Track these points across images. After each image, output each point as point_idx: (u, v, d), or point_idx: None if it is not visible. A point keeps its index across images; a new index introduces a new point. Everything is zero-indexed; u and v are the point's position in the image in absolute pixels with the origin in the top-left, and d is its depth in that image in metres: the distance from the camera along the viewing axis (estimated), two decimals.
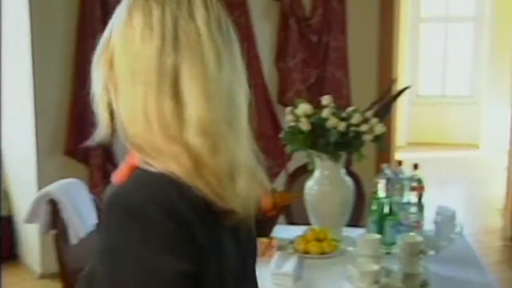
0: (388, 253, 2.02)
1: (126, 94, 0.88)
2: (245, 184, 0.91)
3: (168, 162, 0.86)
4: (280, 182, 3.72)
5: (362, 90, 4.34)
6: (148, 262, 0.81)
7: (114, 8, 0.95)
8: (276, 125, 4.19)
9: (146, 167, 0.87)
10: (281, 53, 4.18)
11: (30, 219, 2.13)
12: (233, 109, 0.93)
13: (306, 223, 2.44)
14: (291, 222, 2.72)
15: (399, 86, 4.41)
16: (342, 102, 3.44)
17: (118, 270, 0.82)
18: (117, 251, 0.82)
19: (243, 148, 0.94)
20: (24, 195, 3.78)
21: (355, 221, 2.51)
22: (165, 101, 0.86)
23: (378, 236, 1.96)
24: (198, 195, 0.85)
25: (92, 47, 0.93)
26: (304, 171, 2.94)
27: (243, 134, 0.95)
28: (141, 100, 0.87)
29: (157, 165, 0.86)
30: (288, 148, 2.31)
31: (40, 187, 3.08)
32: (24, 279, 3.85)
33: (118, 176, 0.89)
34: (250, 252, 1.04)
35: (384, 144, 2.24)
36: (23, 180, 3.90)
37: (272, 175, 4.25)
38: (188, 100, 0.87)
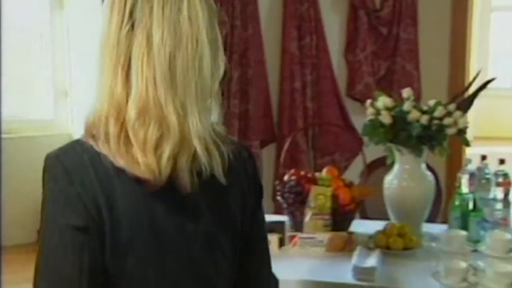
0: (474, 251, 1.95)
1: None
2: (169, 156, 0.96)
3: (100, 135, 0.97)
4: (352, 175, 3.69)
5: (433, 83, 4.23)
6: (51, 216, 0.97)
7: None
8: (344, 118, 4.15)
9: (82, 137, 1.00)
10: (350, 46, 4.13)
11: None
12: (180, 87, 0.98)
13: (380, 217, 2.40)
14: (364, 216, 2.68)
15: (460, 78, 4.32)
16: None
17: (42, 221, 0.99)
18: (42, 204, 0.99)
19: (187, 122, 0.99)
20: None
21: (432, 217, 2.45)
22: (118, 76, 0.97)
23: (464, 232, 1.91)
24: (110, 162, 0.95)
25: None
26: (380, 164, 2.90)
27: (192, 109, 1.00)
28: (100, 75, 0.99)
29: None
30: (366, 142, 2.27)
31: None
32: None
33: None
34: (210, 223, 1.04)
35: (466, 138, 2.18)
36: None
37: (341, 168, 4.22)
38: (133, 78, 0.97)
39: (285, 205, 2.25)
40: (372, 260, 1.91)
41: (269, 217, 2.50)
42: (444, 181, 3.38)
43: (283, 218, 2.26)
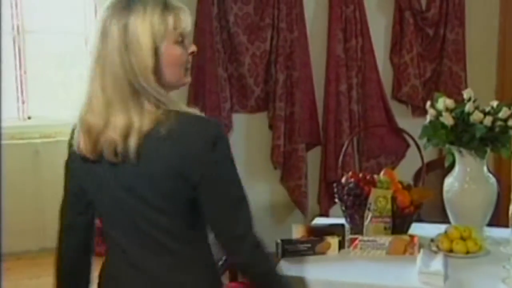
0: None
1: None
2: (107, 139, 1.31)
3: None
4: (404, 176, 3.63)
5: (480, 85, 4.13)
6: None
7: None
8: (390, 120, 4.12)
9: None
10: (396, 47, 4.11)
11: None
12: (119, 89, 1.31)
13: (435, 220, 2.36)
14: (418, 219, 2.64)
15: (509, 79, 4.22)
16: (459, 98, 3.31)
17: None
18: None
19: (128, 115, 1.30)
20: None
21: (493, 221, 2.40)
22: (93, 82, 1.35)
23: None
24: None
25: None
26: (434, 167, 2.86)
27: (132, 106, 1.31)
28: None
29: None
30: (424, 144, 2.24)
31: None
32: None
33: None
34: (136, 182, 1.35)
35: None
36: None
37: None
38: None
39: (343, 208, 2.23)
40: (437, 264, 1.87)
41: (328, 220, 2.51)
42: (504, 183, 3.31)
43: (341, 220, 2.24)
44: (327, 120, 4.00)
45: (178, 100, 1.36)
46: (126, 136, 1.30)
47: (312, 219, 2.63)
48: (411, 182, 2.83)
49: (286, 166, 3.96)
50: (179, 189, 1.33)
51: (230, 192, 1.35)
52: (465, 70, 4.17)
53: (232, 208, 1.36)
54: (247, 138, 3.96)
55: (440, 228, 2.18)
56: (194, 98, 3.72)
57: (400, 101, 4.14)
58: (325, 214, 3.90)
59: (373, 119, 4.07)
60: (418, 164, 2.86)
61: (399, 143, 4.09)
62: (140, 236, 1.38)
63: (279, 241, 2.05)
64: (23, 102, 4.12)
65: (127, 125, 1.29)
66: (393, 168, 4.17)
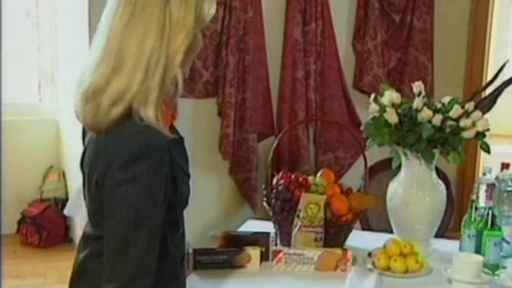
0: (491, 278, 1.64)
1: None
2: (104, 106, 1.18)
3: None
4: (353, 176, 3.39)
5: (448, 77, 3.93)
6: None
7: None
8: (350, 112, 3.86)
9: None
10: (359, 33, 3.83)
11: (71, 211, 1.88)
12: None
13: (385, 229, 2.10)
14: (366, 227, 2.38)
15: (478, 72, 4.00)
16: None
17: None
18: None
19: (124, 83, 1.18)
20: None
21: (440, 231, 2.14)
22: None
23: (480, 258, 1.60)
24: None
25: None
26: (386, 166, 2.59)
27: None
28: None
29: None
30: (369, 142, 1.96)
31: None
32: None
33: None
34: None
35: (487, 143, 1.85)
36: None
37: (345, 166, 3.92)
38: None
39: (271, 213, 1.94)
40: (367, 284, 1.61)
41: (254, 226, 2.22)
42: (455, 189, 3.07)
43: (269, 228, 1.96)
44: (282, 109, 3.72)
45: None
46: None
47: (243, 222, 2.35)
48: (359, 185, 2.57)
49: (236, 157, 3.68)
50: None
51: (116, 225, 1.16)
52: (432, 61, 3.92)
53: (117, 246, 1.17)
54: (194, 125, 3.66)
55: (384, 239, 1.91)
56: None
57: (362, 91, 3.87)
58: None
59: (331, 109, 3.80)
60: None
61: (359, 136, 3.82)
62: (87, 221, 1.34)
63: (190, 250, 1.77)
64: None
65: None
66: (351, 163, 3.93)
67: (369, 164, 2.60)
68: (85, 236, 1.32)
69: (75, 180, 3.85)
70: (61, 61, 3.98)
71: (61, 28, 3.94)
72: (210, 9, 1.27)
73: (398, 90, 2.01)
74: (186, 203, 1.33)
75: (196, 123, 3.68)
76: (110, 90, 1.17)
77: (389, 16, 3.85)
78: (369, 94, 3.76)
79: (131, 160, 1.14)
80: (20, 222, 3.95)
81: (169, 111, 1.28)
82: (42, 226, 3.90)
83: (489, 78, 5.18)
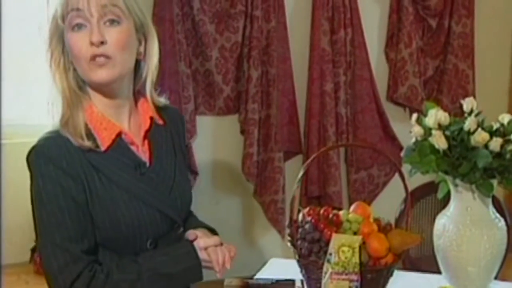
0: None
1: None
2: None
3: None
4: (389, 198, 3.10)
5: (490, 86, 3.67)
6: None
7: None
8: (384, 126, 3.63)
9: None
10: (392, 41, 3.60)
11: None
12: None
13: (433, 269, 1.79)
14: (409, 264, 2.08)
15: None
16: None
17: None
18: None
19: None
20: None
21: (500, 273, 1.83)
22: None
23: None
24: None
25: None
26: (429, 191, 2.29)
27: None
28: None
29: None
30: (410, 172, 1.66)
31: None
32: None
33: None
34: None
35: None
36: None
37: (379, 185, 3.64)
38: None
39: (296, 257, 1.66)
40: None
41: (278, 267, 1.95)
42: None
43: (296, 270, 1.68)
44: (310, 125, 3.47)
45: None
46: None
47: (269, 253, 2.09)
48: (398, 214, 2.27)
49: (260, 178, 3.44)
50: None
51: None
52: (473, 68, 3.68)
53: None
54: (215, 145, 3.46)
55: (432, 283, 1.61)
56: None
57: (396, 103, 3.64)
58: None
59: (364, 124, 3.57)
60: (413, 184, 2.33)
61: (394, 151, 3.56)
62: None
63: None
64: None
65: None
66: (386, 181, 3.64)
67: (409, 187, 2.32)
68: None
69: None
70: None
71: None
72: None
73: (436, 101, 1.74)
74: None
75: (217, 142, 3.49)
76: None
77: (424, 21, 3.63)
78: (404, 106, 3.61)
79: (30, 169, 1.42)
80: (33, 250, 3.78)
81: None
82: None
83: None
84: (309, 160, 1.83)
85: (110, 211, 1.34)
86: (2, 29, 3.37)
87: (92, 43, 1.30)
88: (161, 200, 1.43)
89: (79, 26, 1.32)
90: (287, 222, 1.76)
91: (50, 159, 1.30)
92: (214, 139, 3.46)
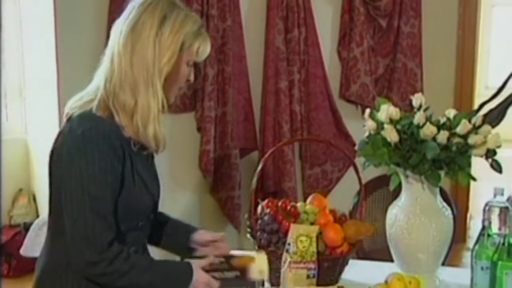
0: None
1: None
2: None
3: None
4: (342, 192, 3.17)
5: (437, 83, 3.76)
6: None
7: None
8: (337, 123, 3.68)
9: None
10: (344, 40, 3.65)
11: (28, 251, 1.68)
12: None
13: (383, 258, 1.88)
14: (362, 255, 2.16)
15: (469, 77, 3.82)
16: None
17: None
18: None
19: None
20: None
21: (447, 259, 1.93)
22: None
23: None
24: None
25: None
26: (381, 183, 2.37)
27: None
28: None
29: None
30: (361, 161, 1.74)
31: None
32: None
33: None
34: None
35: (499, 163, 1.64)
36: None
37: (333, 180, 3.72)
38: None
39: (256, 248, 1.71)
40: None
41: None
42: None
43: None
44: (265, 122, 3.52)
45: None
46: None
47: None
48: (351, 206, 2.36)
49: (217, 174, 3.48)
50: None
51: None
52: (421, 67, 3.75)
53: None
54: (172, 142, 3.35)
55: (384, 269, 1.68)
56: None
57: (349, 101, 3.70)
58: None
59: (317, 120, 3.62)
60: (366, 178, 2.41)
61: (347, 147, 3.63)
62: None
63: None
64: None
65: None
66: (339, 177, 3.72)
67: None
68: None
69: (47, 203, 3.60)
70: (30, 76, 3.74)
71: (28, 43, 3.69)
72: (201, 48, 1.51)
73: (386, 98, 1.83)
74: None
75: (174, 139, 3.43)
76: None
77: (375, 21, 3.69)
78: (356, 104, 3.69)
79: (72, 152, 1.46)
80: None
81: None
82: (11, 254, 3.63)
83: (478, 83, 5.03)
84: (267, 154, 1.89)
85: (129, 195, 1.45)
86: (2, 29, 3.31)
87: (188, 81, 1.58)
88: (157, 189, 1.59)
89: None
90: (246, 215, 1.81)
91: (109, 138, 1.41)
92: (171, 137, 3.36)
